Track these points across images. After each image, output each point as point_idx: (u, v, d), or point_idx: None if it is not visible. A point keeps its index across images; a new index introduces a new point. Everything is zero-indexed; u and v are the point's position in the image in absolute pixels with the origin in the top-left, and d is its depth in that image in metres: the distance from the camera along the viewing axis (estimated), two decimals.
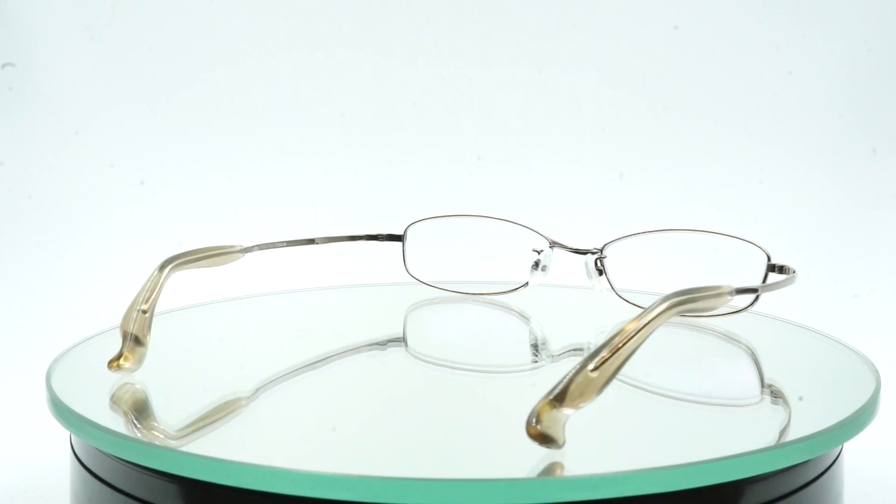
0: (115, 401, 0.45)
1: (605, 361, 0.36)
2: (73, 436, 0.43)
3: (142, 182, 0.83)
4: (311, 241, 0.59)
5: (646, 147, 0.85)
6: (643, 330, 0.37)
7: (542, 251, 0.57)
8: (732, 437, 0.41)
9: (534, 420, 0.36)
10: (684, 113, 0.85)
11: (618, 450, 0.40)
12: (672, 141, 0.85)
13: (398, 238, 0.61)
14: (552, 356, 0.51)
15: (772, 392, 0.45)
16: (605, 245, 0.54)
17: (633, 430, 0.42)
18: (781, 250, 0.80)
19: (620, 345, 0.36)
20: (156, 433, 0.42)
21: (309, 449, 0.41)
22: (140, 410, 0.45)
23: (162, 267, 0.50)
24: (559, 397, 0.36)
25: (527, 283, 0.57)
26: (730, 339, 0.52)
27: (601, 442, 0.41)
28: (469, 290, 0.60)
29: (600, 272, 0.54)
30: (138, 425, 0.43)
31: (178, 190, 0.83)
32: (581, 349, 0.51)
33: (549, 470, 0.36)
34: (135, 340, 0.48)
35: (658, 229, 0.54)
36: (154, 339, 0.48)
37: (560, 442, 0.36)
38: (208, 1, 0.85)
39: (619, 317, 0.51)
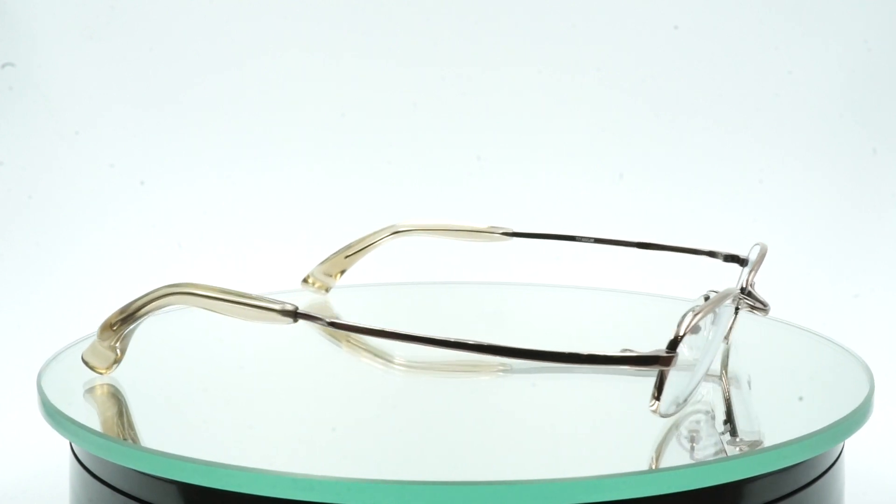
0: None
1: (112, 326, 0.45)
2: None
3: (142, 182, 0.83)
4: (636, 245, 0.56)
5: (646, 147, 0.85)
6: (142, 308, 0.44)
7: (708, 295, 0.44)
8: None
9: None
10: (684, 113, 0.85)
11: (618, 452, 0.40)
12: (672, 141, 0.85)
13: (741, 261, 0.50)
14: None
15: None
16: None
17: (633, 432, 0.42)
18: (781, 250, 0.80)
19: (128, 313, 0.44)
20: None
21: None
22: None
23: (387, 229, 0.56)
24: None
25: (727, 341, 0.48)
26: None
27: (601, 444, 0.41)
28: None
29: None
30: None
31: (178, 190, 0.83)
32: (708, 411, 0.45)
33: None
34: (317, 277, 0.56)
35: None
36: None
37: (98, 369, 0.45)
38: (208, 1, 0.85)
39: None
